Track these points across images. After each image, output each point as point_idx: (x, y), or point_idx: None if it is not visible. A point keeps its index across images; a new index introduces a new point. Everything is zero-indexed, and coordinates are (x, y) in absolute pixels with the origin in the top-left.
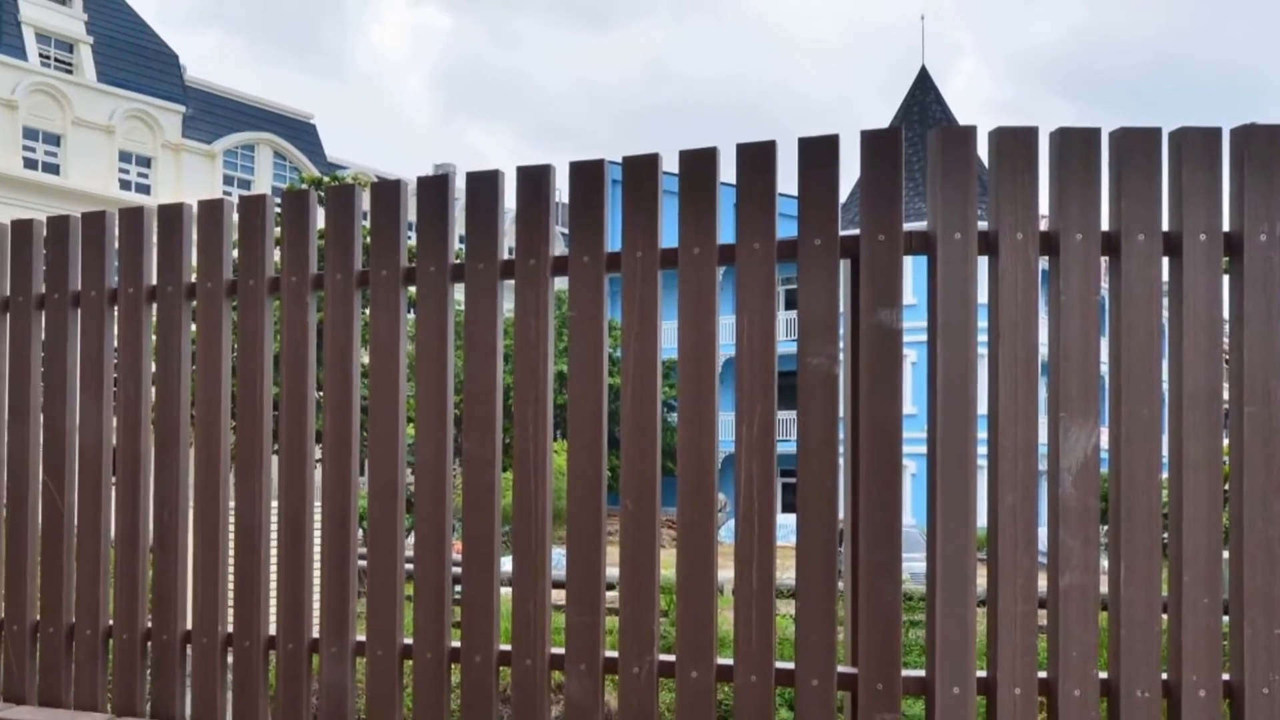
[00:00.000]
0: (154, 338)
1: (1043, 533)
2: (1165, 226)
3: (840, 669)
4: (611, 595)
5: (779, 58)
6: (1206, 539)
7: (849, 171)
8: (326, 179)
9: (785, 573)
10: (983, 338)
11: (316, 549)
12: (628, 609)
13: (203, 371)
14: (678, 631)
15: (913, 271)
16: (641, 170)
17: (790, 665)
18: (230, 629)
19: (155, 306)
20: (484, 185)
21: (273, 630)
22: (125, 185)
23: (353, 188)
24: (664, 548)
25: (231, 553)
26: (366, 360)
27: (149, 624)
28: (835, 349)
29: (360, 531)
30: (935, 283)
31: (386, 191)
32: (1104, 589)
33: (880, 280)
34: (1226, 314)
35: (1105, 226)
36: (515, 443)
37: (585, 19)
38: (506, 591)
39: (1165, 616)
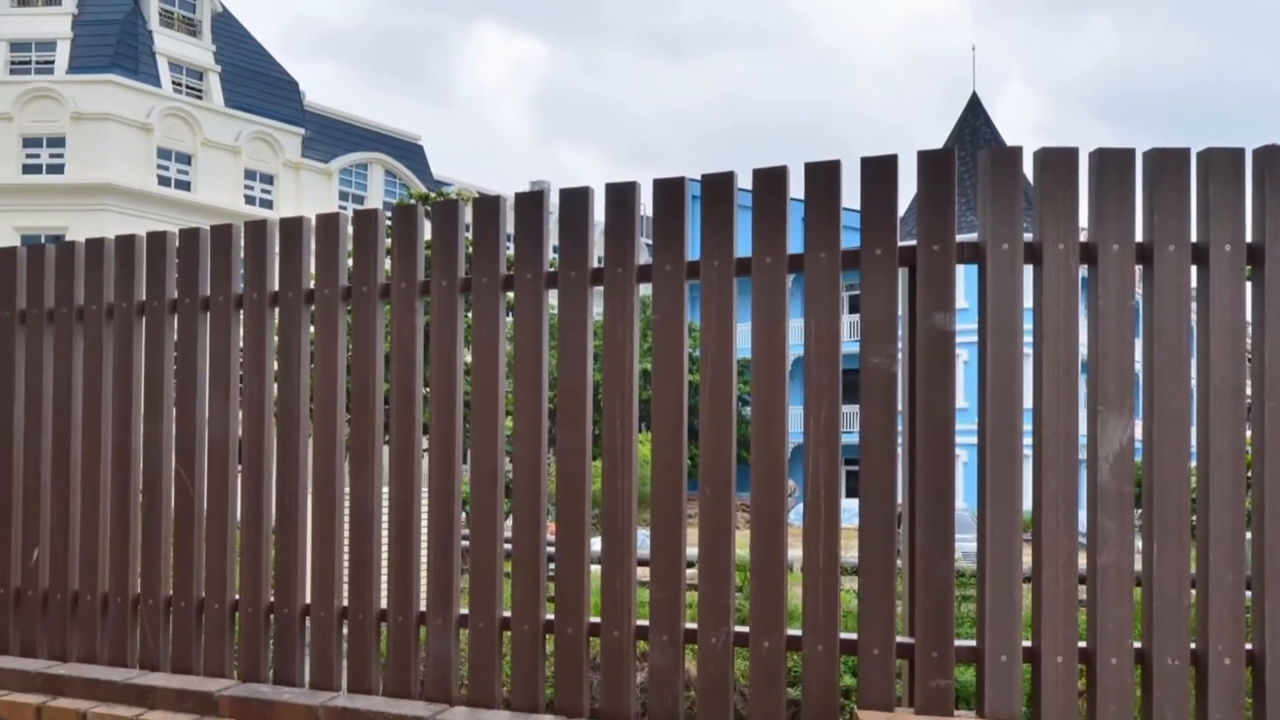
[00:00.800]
0: (276, 339)
1: (1082, 516)
2: (1194, 238)
3: (899, 639)
4: (691, 573)
5: (844, 84)
6: (1231, 522)
7: (907, 188)
8: (433, 195)
9: (849, 552)
10: (1028, 339)
11: (424, 531)
12: (706, 585)
13: (320, 370)
14: (751, 605)
15: (965, 279)
16: (718, 187)
17: (853, 635)
18: (345, 603)
19: (277, 310)
20: (575, 200)
21: (384, 604)
22: (250, 200)
23: (456, 203)
24: (739, 529)
25: (346, 534)
26: (469, 359)
27: (271, 599)
28: (894, 349)
29: (463, 515)
30: (985, 289)
31: (487, 206)
32: (1138, 567)
33: (935, 287)
34: (1249, 318)
35: (1139, 238)
36: (604, 434)
37: (667, 49)
38: (596, 569)
39: (1194, 592)
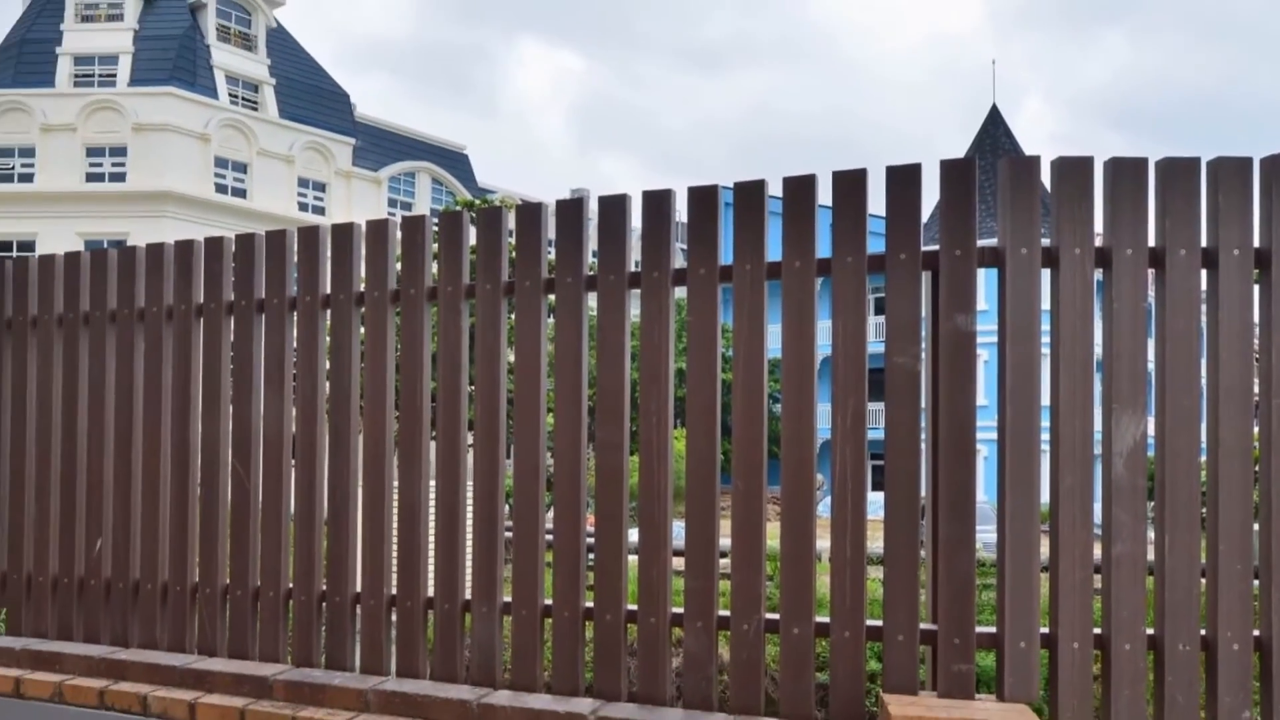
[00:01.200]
0: (328, 340)
1: (1098, 508)
2: (1204, 243)
3: (922, 626)
4: (724, 562)
5: (869, 97)
6: (1240, 514)
7: (930, 195)
8: (478, 202)
9: (875, 543)
10: (1046, 340)
11: (469, 522)
12: (738, 574)
13: (370, 369)
14: (781, 594)
15: (985, 282)
16: (750, 194)
17: (879, 623)
18: (394, 592)
19: (329, 312)
20: (614, 207)
21: (431, 593)
22: (303, 207)
23: (500, 209)
24: (769, 521)
25: (395, 526)
26: (512, 359)
27: (324, 587)
28: (918, 349)
29: (506, 507)
30: (1005, 292)
31: (529, 212)
32: (1151, 557)
33: (957, 290)
34: (1257, 319)
35: (1152, 243)
36: (641, 430)
37: (700, 63)
38: (633, 559)
39: (1204, 581)
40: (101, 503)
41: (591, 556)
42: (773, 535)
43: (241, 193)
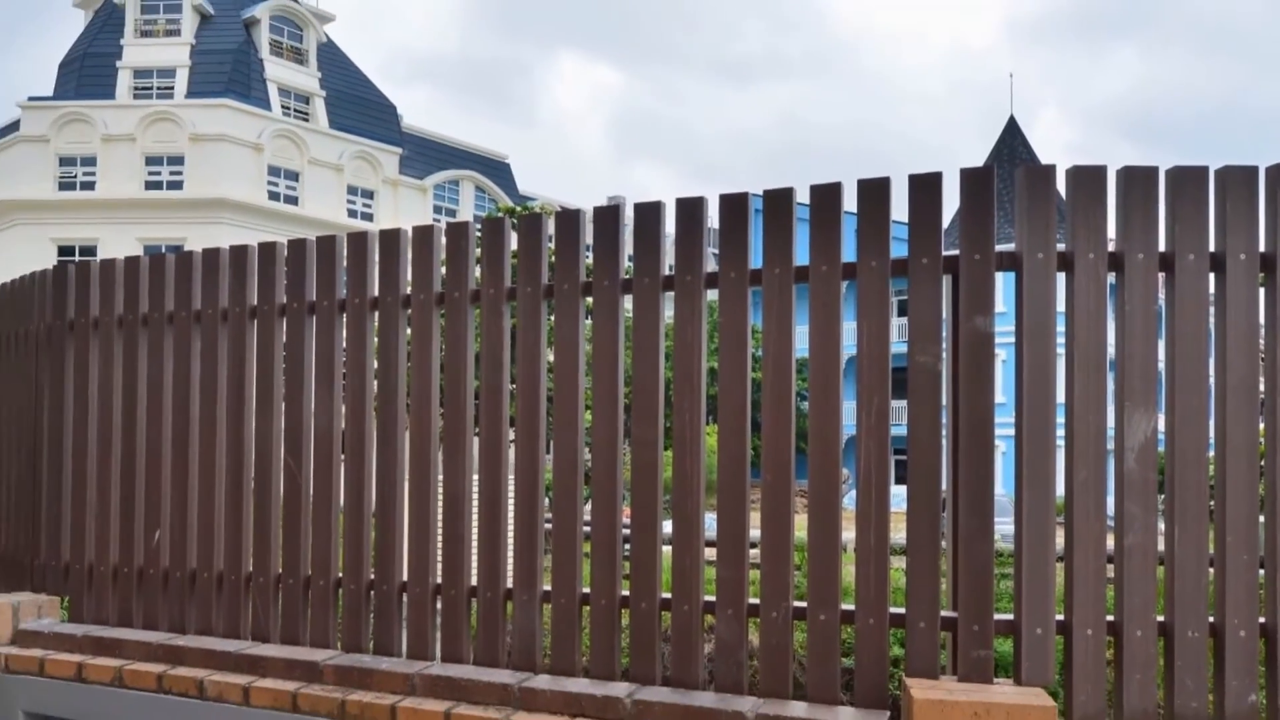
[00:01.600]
0: (376, 340)
1: (1110, 501)
2: (1212, 248)
3: (943, 613)
4: (754, 552)
5: (892, 108)
6: (1246, 507)
7: (950, 202)
8: (519, 209)
9: (897, 534)
10: (1061, 340)
11: (510, 514)
12: (767, 564)
13: (416, 368)
14: (809, 582)
15: (1003, 285)
16: (778, 201)
17: (902, 610)
18: (439, 580)
19: (377, 314)
20: (648, 214)
21: (474, 581)
22: (352, 214)
23: (540, 216)
24: (797, 513)
25: (440, 518)
26: (552, 359)
27: (372, 576)
28: (939, 349)
29: (546, 500)
30: (1022, 295)
31: (568, 219)
32: (1161, 548)
33: (976, 292)
34: (1263, 321)
35: (1162, 248)
36: (674, 427)
37: (731, 76)
38: (667, 549)
39: (1211, 570)
40: (160, 496)
41: (627, 547)
42: (800, 527)
43: (293, 200)
